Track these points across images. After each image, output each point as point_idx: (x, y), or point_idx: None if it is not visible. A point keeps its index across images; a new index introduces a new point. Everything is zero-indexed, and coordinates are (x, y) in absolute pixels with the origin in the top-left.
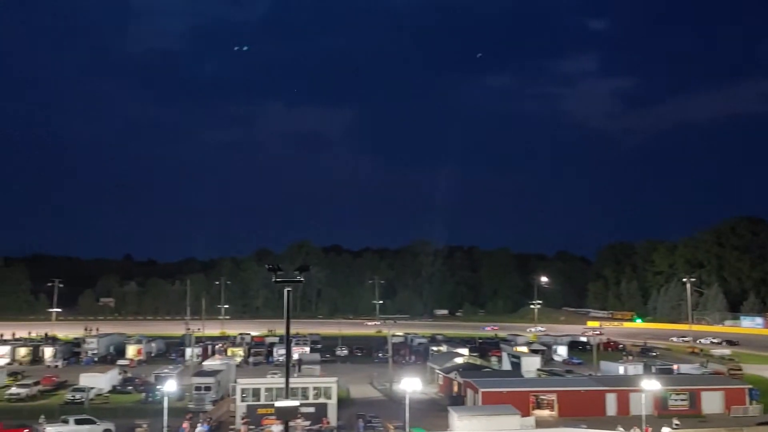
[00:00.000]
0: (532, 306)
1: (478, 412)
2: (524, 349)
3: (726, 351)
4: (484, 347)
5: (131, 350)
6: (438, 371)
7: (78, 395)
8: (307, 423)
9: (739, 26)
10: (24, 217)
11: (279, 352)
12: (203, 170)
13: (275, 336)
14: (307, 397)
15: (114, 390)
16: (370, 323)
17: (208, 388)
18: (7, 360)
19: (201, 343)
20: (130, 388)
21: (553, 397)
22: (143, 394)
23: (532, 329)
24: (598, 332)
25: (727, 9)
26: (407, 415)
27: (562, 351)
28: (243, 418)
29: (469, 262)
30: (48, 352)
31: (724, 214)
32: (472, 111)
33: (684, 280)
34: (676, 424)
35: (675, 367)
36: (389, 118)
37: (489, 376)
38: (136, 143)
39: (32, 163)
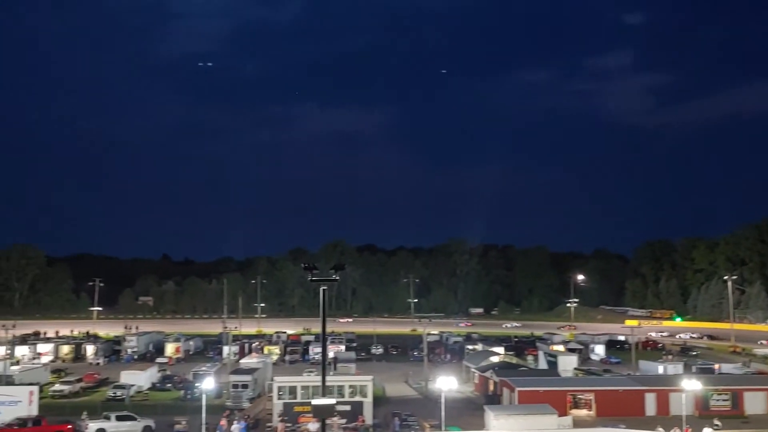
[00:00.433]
0: (568, 305)
1: (514, 411)
2: (561, 348)
3: None
4: (520, 346)
5: (170, 348)
6: (474, 370)
7: (119, 392)
8: (343, 421)
9: None
10: (66, 217)
11: (315, 350)
12: (239, 170)
13: (311, 334)
14: (343, 395)
15: (153, 387)
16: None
17: (245, 386)
18: (50, 357)
19: (238, 342)
20: (169, 385)
21: (591, 396)
22: (182, 392)
23: (561, 329)
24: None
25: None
26: (443, 413)
27: (599, 350)
28: (280, 416)
29: (504, 261)
30: (90, 349)
31: (767, 210)
32: (508, 109)
33: (725, 278)
34: (717, 425)
35: (716, 366)
36: (425, 116)
37: (525, 375)
38: (173, 145)
39: (75, 165)
